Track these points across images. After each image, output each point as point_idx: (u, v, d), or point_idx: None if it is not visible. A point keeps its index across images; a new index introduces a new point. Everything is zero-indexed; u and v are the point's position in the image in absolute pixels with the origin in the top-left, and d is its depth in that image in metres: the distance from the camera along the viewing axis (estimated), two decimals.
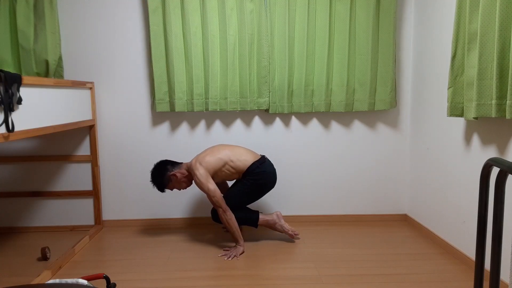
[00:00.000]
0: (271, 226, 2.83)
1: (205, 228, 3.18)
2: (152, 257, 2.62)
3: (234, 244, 2.71)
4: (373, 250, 2.67)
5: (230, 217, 2.60)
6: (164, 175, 2.70)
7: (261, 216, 2.78)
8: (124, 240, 2.94)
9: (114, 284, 1.54)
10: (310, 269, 2.40)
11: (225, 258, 2.55)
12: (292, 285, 2.20)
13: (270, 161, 2.81)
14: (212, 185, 2.59)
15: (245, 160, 2.71)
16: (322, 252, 2.65)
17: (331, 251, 2.67)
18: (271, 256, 2.60)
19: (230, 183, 3.03)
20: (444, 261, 2.49)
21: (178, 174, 2.71)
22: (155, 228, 3.20)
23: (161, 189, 2.75)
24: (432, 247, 2.72)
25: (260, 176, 2.70)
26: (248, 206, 2.82)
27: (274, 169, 2.79)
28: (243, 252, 2.63)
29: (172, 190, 2.81)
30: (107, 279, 1.56)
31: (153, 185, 2.75)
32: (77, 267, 2.48)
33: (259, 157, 2.78)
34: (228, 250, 2.64)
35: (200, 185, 2.62)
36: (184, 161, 3.20)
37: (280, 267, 2.43)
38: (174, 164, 2.76)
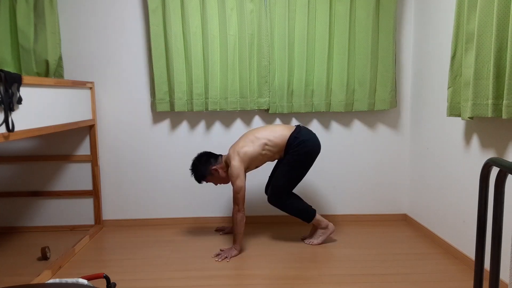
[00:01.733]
0: (316, 229, 2.81)
1: (206, 228, 3.18)
2: (152, 257, 2.62)
3: (233, 247, 2.67)
4: (373, 250, 2.67)
5: (241, 219, 2.58)
6: (207, 167, 2.66)
7: (318, 215, 2.76)
8: (124, 240, 2.94)
9: (114, 284, 1.54)
10: (310, 269, 2.40)
11: (217, 259, 2.54)
12: (292, 285, 2.20)
13: (306, 128, 2.75)
14: (240, 182, 2.56)
15: (281, 135, 2.65)
16: (322, 252, 2.65)
17: (331, 251, 2.67)
18: (271, 256, 2.60)
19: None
20: (444, 261, 2.49)
21: (220, 170, 2.67)
22: (155, 228, 3.20)
23: (200, 181, 2.72)
24: (432, 247, 2.72)
25: (301, 146, 2.62)
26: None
27: (314, 134, 2.72)
28: (236, 255, 2.61)
29: (207, 182, 2.76)
30: (107, 278, 1.56)
31: (192, 174, 2.71)
32: (77, 267, 2.48)
33: (294, 128, 2.72)
34: (222, 251, 2.64)
35: (230, 177, 2.59)
36: (183, 160, 3.21)
37: (280, 267, 2.43)
38: (216, 157, 2.71)
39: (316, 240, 2.79)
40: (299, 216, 2.74)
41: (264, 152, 2.64)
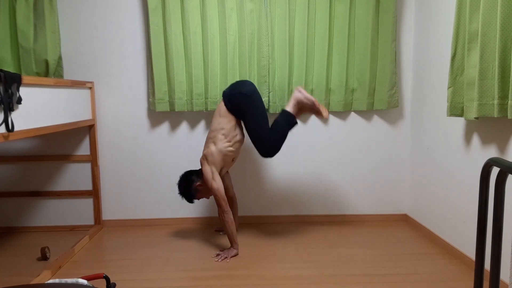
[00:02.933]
0: (302, 107, 2.66)
1: (206, 228, 3.17)
2: (152, 257, 2.62)
3: (232, 247, 2.67)
4: (373, 250, 2.67)
5: (227, 219, 2.57)
6: (191, 186, 2.68)
7: (290, 110, 2.63)
8: (124, 240, 2.94)
9: (114, 284, 1.54)
10: (310, 269, 2.39)
11: (216, 259, 2.54)
12: (292, 285, 2.20)
13: (231, 85, 2.67)
14: (215, 184, 2.57)
15: (222, 111, 2.59)
16: (322, 252, 2.65)
17: (331, 251, 2.67)
18: (271, 256, 2.60)
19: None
20: (444, 261, 2.49)
21: (204, 184, 2.67)
22: (155, 228, 3.20)
23: (190, 201, 2.73)
24: (432, 247, 2.72)
25: (238, 98, 2.56)
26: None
27: (240, 81, 2.67)
28: (236, 254, 2.61)
29: (200, 199, 2.77)
30: (107, 279, 1.56)
31: (182, 197, 2.73)
32: (77, 267, 2.48)
33: (222, 99, 2.66)
34: (222, 251, 2.64)
35: (205, 183, 2.60)
36: (183, 160, 3.20)
37: (280, 267, 2.43)
38: (198, 173, 2.72)
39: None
40: (288, 128, 2.61)
41: (226, 140, 2.58)
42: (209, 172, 2.59)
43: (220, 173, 2.64)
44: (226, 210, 2.57)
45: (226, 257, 2.55)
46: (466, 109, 2.24)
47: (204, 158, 2.62)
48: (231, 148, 2.62)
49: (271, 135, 2.58)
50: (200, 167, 2.72)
